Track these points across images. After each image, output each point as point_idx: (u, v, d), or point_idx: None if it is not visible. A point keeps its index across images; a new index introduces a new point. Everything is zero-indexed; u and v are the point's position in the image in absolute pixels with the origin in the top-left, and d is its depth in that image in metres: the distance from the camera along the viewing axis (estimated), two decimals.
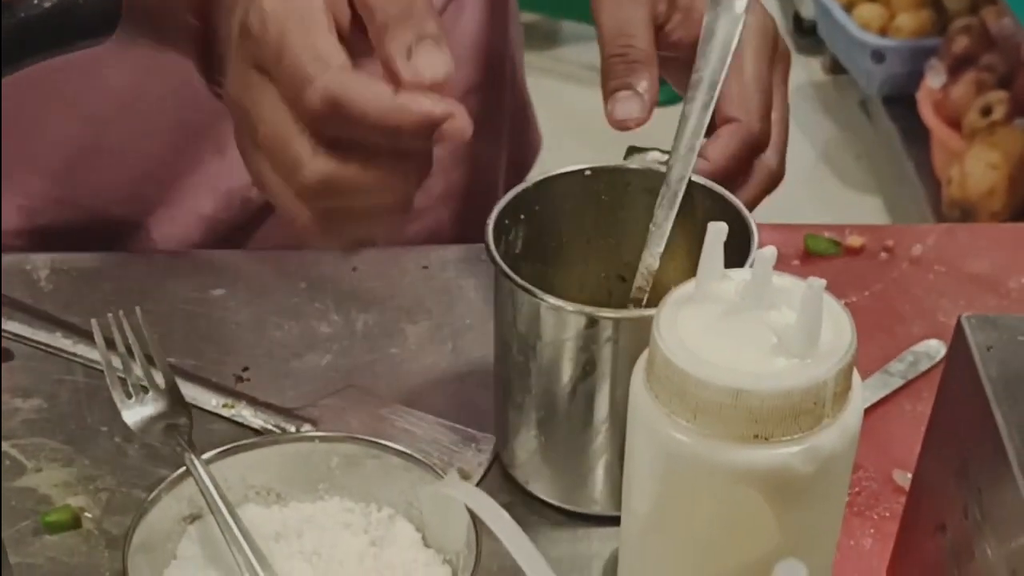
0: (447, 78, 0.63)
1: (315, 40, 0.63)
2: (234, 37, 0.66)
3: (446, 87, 0.63)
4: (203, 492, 0.69)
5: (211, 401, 0.83)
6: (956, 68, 2.50)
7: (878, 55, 2.67)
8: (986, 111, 2.39)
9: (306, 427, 0.81)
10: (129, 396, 0.75)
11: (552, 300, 0.70)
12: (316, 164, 0.64)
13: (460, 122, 0.62)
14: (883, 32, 2.70)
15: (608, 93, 0.77)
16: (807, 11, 2.98)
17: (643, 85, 0.76)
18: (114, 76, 0.94)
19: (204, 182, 0.99)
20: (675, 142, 0.75)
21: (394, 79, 0.63)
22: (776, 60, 0.81)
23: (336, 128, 0.63)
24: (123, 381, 0.75)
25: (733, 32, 0.77)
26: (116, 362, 0.75)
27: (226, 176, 0.99)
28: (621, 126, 0.76)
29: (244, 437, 0.80)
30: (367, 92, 0.62)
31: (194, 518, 0.71)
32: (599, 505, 0.76)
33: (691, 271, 0.75)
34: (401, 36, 0.63)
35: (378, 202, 0.66)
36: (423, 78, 0.62)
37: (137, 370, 0.76)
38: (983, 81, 2.44)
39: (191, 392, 0.83)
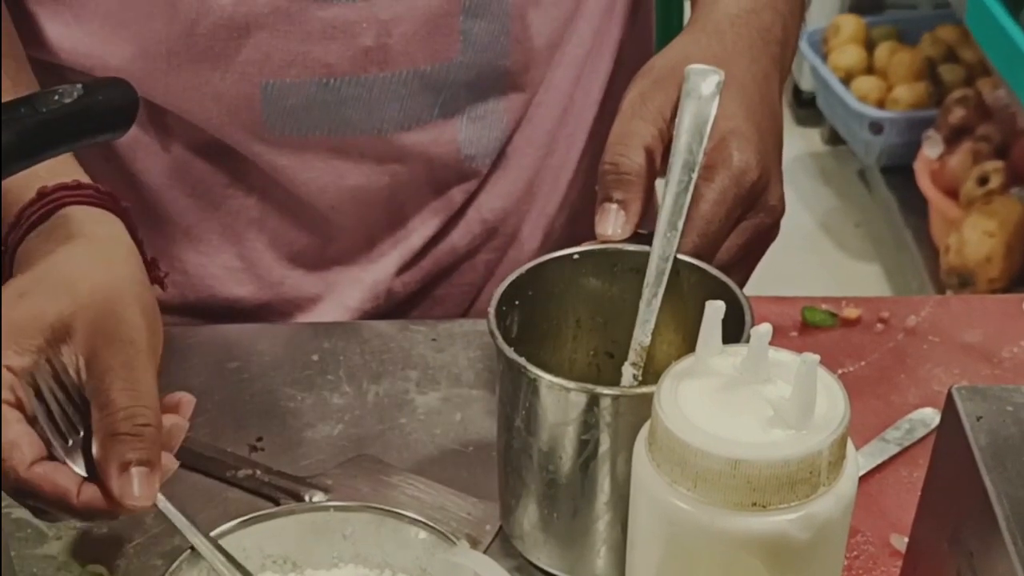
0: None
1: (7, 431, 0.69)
2: None
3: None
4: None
5: (226, 470, 0.85)
6: (953, 138, 2.53)
7: (876, 126, 2.69)
8: (983, 180, 2.42)
9: (318, 495, 0.83)
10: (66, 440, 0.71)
11: (553, 379, 0.72)
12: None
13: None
14: (881, 104, 2.73)
15: (598, 202, 0.79)
16: (806, 83, 3.01)
17: (628, 198, 0.78)
18: None
19: (352, 274, 1.02)
20: (657, 222, 0.77)
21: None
22: (749, 209, 0.80)
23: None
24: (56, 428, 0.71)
25: (705, 113, 0.78)
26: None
27: (372, 269, 1.02)
28: (603, 239, 0.78)
29: (258, 505, 0.82)
30: (53, 488, 0.69)
31: None
32: (601, 573, 0.77)
33: (680, 345, 0.78)
34: (121, 451, 0.69)
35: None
36: (128, 502, 0.69)
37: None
38: (979, 151, 2.47)
39: (207, 462, 0.85)
